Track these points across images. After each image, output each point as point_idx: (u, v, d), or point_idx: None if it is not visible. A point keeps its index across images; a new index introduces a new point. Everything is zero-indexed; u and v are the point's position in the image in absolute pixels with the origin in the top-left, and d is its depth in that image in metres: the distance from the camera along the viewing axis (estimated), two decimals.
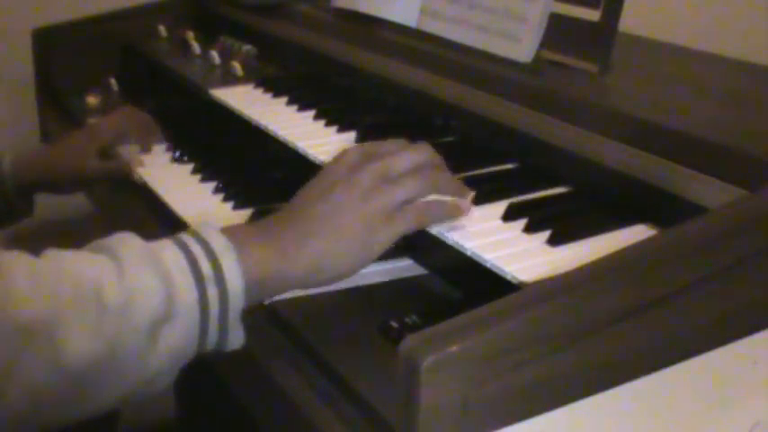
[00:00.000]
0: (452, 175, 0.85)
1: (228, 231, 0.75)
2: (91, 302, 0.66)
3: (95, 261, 0.69)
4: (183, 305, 0.70)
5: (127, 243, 0.71)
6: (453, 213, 0.82)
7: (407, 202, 0.79)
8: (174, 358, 0.71)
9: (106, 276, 0.68)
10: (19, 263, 0.67)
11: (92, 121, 1.46)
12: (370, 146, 0.85)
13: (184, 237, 0.74)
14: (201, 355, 0.74)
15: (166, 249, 0.72)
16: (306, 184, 0.81)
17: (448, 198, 0.83)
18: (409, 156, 0.82)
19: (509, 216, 0.85)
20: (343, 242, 0.76)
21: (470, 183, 0.91)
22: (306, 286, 0.78)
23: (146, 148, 1.31)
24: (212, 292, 0.71)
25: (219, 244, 0.72)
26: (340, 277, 0.78)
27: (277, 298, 0.87)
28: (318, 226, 0.76)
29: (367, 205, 0.77)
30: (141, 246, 0.71)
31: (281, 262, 0.75)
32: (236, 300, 0.72)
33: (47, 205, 1.38)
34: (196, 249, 0.72)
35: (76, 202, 1.59)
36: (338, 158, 0.82)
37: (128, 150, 1.30)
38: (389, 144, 0.85)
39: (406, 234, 0.79)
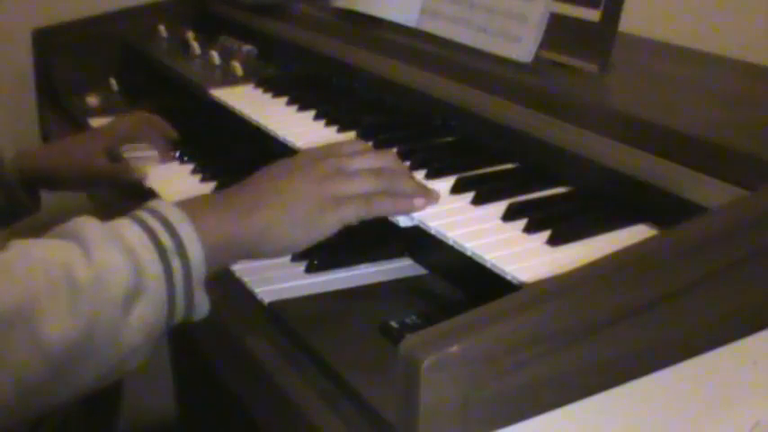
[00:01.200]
0: (418, 180, 0.90)
1: (182, 204, 0.78)
2: (63, 285, 0.69)
3: (61, 245, 0.72)
4: (150, 278, 0.73)
5: (87, 225, 0.74)
6: (404, 207, 0.86)
7: (359, 195, 0.83)
8: (146, 332, 0.73)
9: (74, 258, 0.70)
10: None
11: (98, 121, 1.45)
12: (335, 144, 0.91)
13: (141, 213, 0.77)
14: (171, 326, 0.76)
15: (127, 227, 0.75)
16: (267, 165, 0.85)
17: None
18: (369, 158, 0.88)
19: (509, 216, 0.84)
20: (292, 215, 0.80)
21: (470, 183, 0.91)
22: (255, 254, 0.82)
23: (161, 158, 1.27)
24: (175, 263, 0.74)
25: (176, 216, 0.76)
26: (287, 248, 0.83)
27: (278, 298, 0.87)
28: (270, 198, 0.81)
29: (320, 189, 0.82)
30: (102, 226, 0.74)
31: (232, 226, 0.79)
32: (199, 267, 0.75)
33: (47, 206, 1.38)
34: (155, 224, 0.75)
35: (78, 203, 1.59)
36: (303, 152, 0.88)
37: (137, 150, 1.28)
38: (354, 144, 0.91)
39: (353, 221, 0.83)
